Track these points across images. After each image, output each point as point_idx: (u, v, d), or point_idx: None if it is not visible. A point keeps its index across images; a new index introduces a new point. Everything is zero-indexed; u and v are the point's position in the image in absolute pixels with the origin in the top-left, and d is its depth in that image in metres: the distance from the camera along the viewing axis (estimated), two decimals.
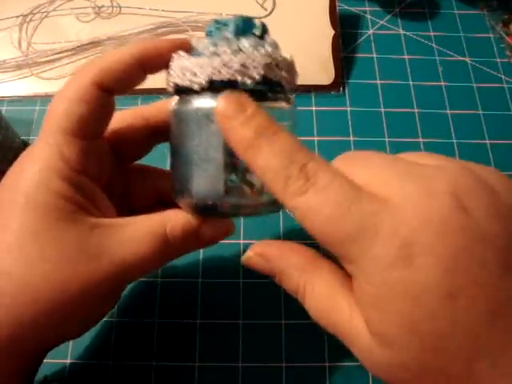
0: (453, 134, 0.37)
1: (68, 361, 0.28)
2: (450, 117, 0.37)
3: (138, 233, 0.20)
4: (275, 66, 0.19)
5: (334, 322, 0.18)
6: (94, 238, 0.19)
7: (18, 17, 0.40)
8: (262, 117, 0.18)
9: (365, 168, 0.17)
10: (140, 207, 0.25)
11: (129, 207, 0.25)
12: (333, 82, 0.38)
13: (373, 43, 0.41)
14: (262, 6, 0.41)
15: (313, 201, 0.16)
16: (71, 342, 0.28)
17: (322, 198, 0.16)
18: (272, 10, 0.41)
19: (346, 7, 0.42)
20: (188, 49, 0.21)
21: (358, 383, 0.28)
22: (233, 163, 0.19)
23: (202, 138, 0.19)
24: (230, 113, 0.18)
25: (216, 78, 0.18)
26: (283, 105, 0.21)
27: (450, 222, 0.15)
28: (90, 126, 0.21)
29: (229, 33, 0.19)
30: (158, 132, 0.24)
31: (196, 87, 0.19)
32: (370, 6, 0.43)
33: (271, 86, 0.19)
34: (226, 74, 0.18)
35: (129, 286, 0.30)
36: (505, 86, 0.39)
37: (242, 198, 0.20)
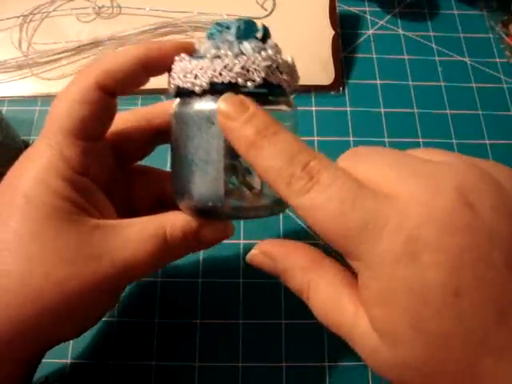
0: (452, 134, 0.37)
1: (68, 361, 0.28)
2: (450, 117, 0.37)
3: (139, 235, 0.20)
4: (276, 68, 0.19)
5: (337, 322, 0.18)
6: (94, 239, 0.19)
7: (18, 17, 0.40)
8: (263, 117, 0.18)
9: (371, 164, 0.17)
10: (141, 208, 0.25)
11: (130, 209, 0.25)
12: (333, 82, 0.38)
13: (372, 43, 0.41)
14: (262, 7, 0.41)
15: (316, 199, 0.16)
16: (71, 342, 0.28)
17: (326, 196, 0.16)
18: (272, 10, 0.41)
19: (345, 7, 0.42)
20: (191, 51, 0.21)
21: (358, 383, 0.28)
22: (232, 165, 0.19)
23: (203, 140, 0.19)
24: (231, 113, 0.18)
25: (217, 80, 0.19)
26: (284, 108, 0.21)
27: (455, 219, 0.15)
28: (92, 127, 0.21)
29: (231, 35, 0.19)
30: (159, 133, 0.24)
31: (197, 89, 0.19)
32: (369, 7, 0.43)
33: (272, 89, 0.19)
34: (226, 77, 0.18)
35: (129, 286, 0.30)
36: (504, 86, 0.39)
37: (242, 200, 0.20)
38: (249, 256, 0.20)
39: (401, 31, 0.41)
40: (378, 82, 0.39)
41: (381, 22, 0.42)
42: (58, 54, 0.38)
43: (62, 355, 0.28)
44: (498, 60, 0.40)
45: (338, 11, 0.41)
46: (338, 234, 0.16)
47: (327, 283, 0.18)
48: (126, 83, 0.21)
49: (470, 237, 0.15)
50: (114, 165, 0.24)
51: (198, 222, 0.21)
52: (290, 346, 0.29)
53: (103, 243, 0.19)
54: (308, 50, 0.39)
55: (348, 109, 0.37)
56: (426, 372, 0.16)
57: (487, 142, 0.36)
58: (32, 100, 0.37)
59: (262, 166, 0.17)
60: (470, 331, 0.15)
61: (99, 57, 0.21)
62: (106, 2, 0.41)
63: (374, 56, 0.40)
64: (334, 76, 0.38)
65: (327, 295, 0.18)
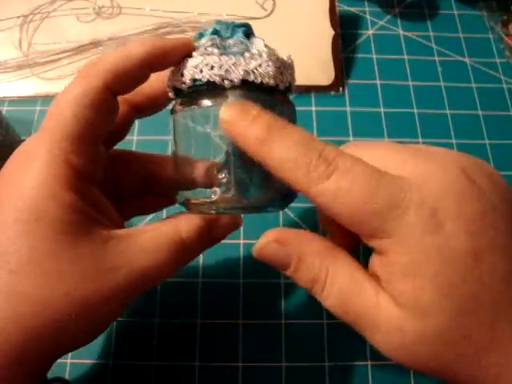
0: (452, 134, 0.37)
1: (68, 361, 0.28)
2: (450, 117, 0.37)
3: (154, 242, 0.20)
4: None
5: (358, 306, 0.18)
6: (109, 251, 0.19)
7: (18, 17, 0.40)
8: (268, 115, 0.18)
9: (376, 152, 0.18)
10: (127, 193, 0.25)
11: (116, 194, 0.24)
12: (333, 83, 0.38)
13: (372, 43, 0.41)
14: (262, 7, 0.41)
15: (340, 182, 0.17)
16: None
17: (350, 179, 0.17)
18: (272, 10, 0.41)
19: (345, 8, 0.42)
20: (191, 49, 0.21)
21: (358, 383, 0.28)
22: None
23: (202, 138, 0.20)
24: (235, 117, 0.18)
25: (199, 77, 0.19)
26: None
27: (466, 192, 0.17)
28: (101, 131, 0.20)
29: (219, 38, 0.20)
30: (138, 109, 0.23)
31: (183, 86, 0.20)
32: (369, 7, 0.43)
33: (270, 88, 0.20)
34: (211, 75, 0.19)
35: None
36: (504, 86, 0.39)
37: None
38: (256, 248, 0.20)
39: (401, 31, 0.41)
40: (378, 82, 0.39)
41: (381, 22, 0.42)
42: (58, 54, 0.38)
43: None
44: (497, 60, 0.40)
45: (337, 11, 0.41)
46: (365, 214, 0.17)
47: (345, 269, 0.19)
48: (132, 83, 0.20)
49: (480, 206, 0.17)
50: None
51: (208, 220, 0.21)
52: (290, 346, 0.29)
53: (119, 255, 0.19)
54: (308, 50, 0.39)
55: (348, 109, 0.37)
56: (453, 339, 0.16)
57: (487, 141, 0.36)
58: (32, 100, 0.37)
59: (275, 160, 0.18)
60: (489, 294, 0.16)
61: (100, 56, 0.21)
62: (106, 1, 0.41)
63: (374, 56, 0.40)
64: (333, 76, 0.38)
65: (347, 281, 0.19)
